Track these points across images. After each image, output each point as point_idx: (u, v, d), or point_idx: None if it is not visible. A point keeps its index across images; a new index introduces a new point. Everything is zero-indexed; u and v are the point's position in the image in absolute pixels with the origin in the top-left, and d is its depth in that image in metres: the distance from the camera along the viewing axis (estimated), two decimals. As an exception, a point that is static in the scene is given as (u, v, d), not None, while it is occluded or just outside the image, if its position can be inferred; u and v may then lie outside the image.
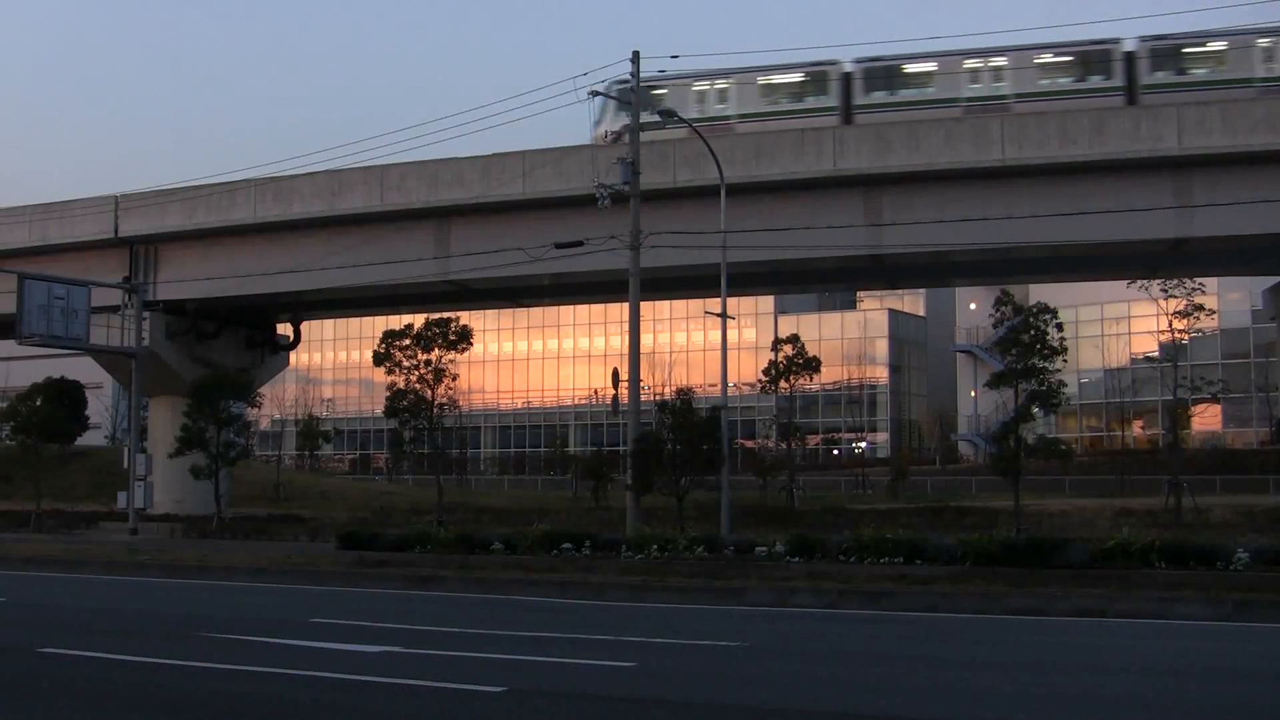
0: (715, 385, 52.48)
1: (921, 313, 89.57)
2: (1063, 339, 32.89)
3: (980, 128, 33.23)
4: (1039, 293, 54.55)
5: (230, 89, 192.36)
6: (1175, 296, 38.63)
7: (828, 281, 51.05)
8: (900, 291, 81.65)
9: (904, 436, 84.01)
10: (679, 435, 31.42)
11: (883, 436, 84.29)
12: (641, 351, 33.60)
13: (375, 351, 38.39)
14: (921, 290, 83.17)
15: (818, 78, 36.55)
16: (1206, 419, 63.33)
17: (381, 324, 51.93)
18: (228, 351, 45.17)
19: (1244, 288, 65.74)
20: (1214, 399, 51.52)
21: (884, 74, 36.27)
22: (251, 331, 47.04)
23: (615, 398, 37.03)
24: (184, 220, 41.67)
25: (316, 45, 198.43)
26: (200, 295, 42.26)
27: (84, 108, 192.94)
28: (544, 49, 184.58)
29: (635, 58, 32.22)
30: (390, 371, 37.52)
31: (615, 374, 36.72)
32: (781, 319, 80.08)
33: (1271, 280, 43.90)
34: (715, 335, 67.53)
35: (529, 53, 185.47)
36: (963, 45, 36.77)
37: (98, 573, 25.21)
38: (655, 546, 22.23)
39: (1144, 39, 34.86)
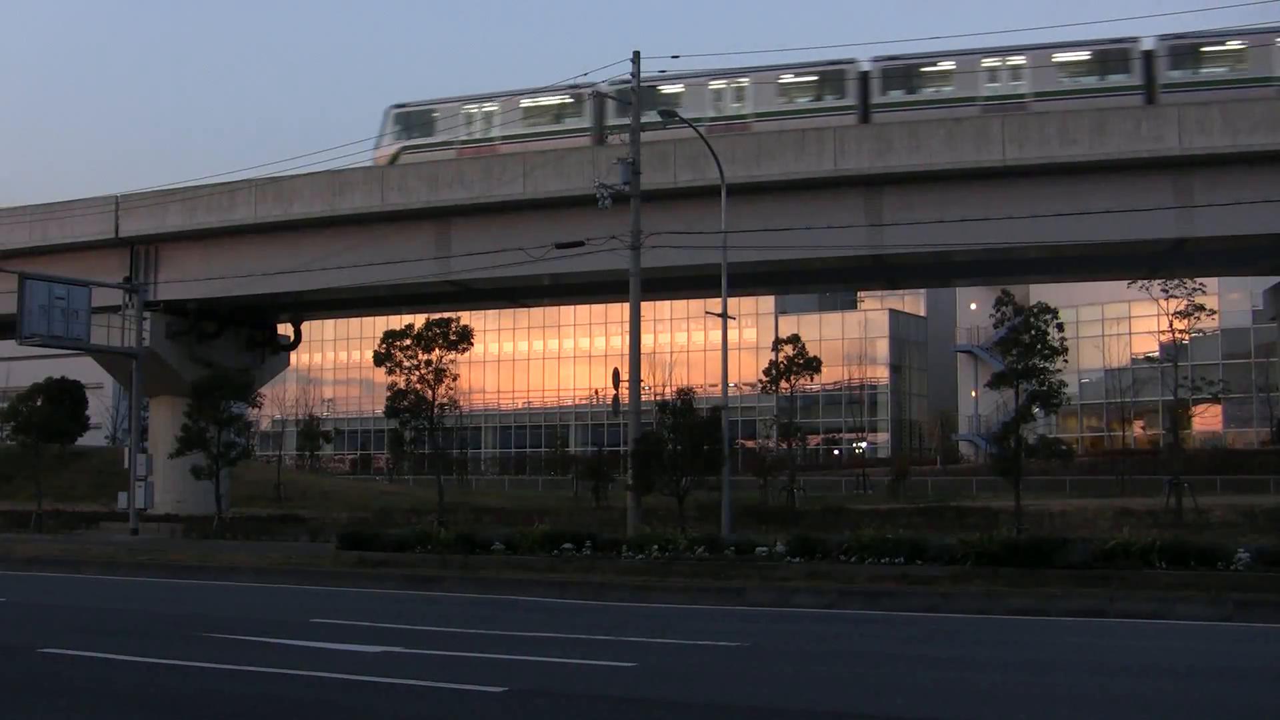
0: (716, 385, 52.54)
1: (922, 313, 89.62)
2: (1063, 339, 32.83)
3: (981, 127, 33.23)
4: (1039, 293, 54.56)
5: (231, 89, 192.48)
6: (1176, 296, 38.65)
7: (828, 282, 51.07)
8: (901, 292, 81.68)
9: (904, 437, 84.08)
10: (680, 435, 31.39)
11: (883, 437, 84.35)
12: (642, 352, 33.58)
13: (376, 351, 38.34)
14: (922, 290, 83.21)
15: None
16: (1207, 419, 63.38)
17: (382, 324, 51.94)
18: (228, 352, 45.17)
19: (1244, 288, 65.79)
20: (1214, 399, 51.52)
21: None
22: (252, 331, 47.05)
23: (616, 398, 37.01)
24: (185, 220, 41.67)
25: (317, 45, 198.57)
26: (201, 295, 42.26)
27: (84, 108, 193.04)
28: (544, 49, 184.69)
29: (636, 58, 32.22)
30: (391, 372, 37.48)
31: (616, 374, 36.71)
32: (782, 319, 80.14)
33: (1272, 280, 43.88)
34: (716, 335, 67.61)
35: (529, 53, 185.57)
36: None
37: (98, 573, 25.21)
38: (656, 546, 22.22)
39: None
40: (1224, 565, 18.16)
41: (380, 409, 45.98)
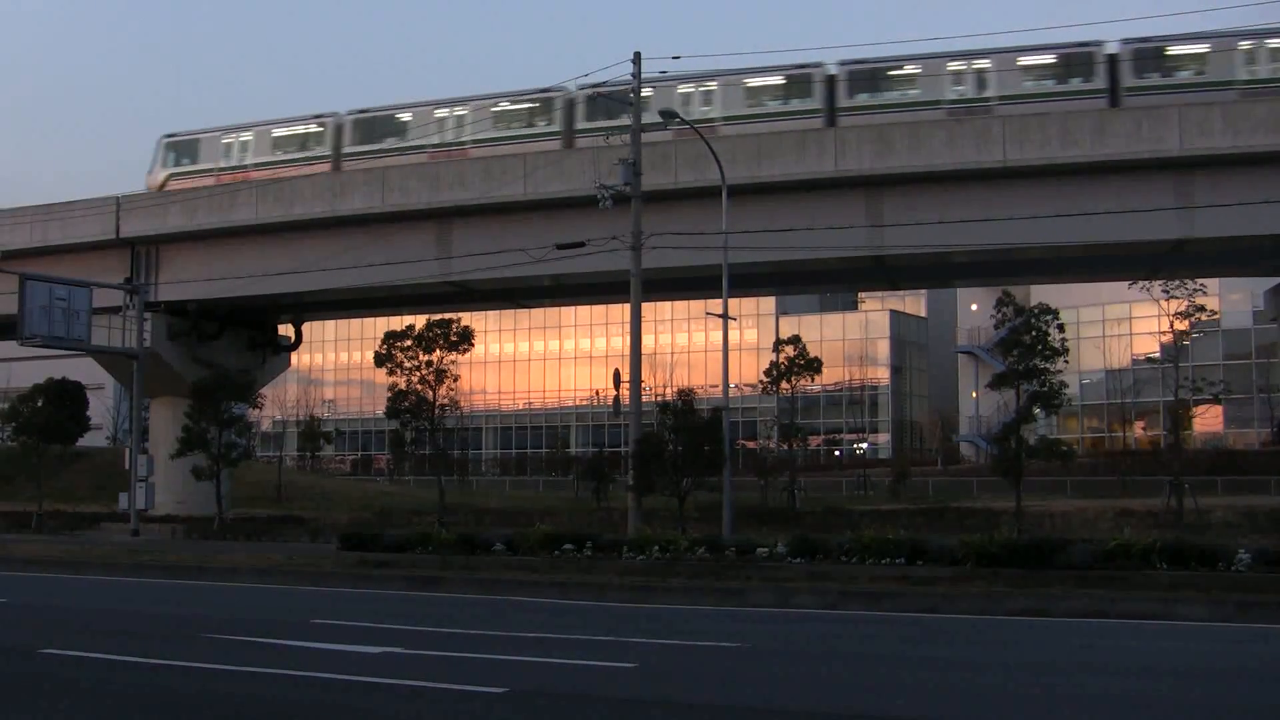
0: (716, 386, 52.58)
1: (923, 313, 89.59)
2: (1064, 340, 32.87)
3: (982, 129, 33.23)
4: (1040, 293, 54.52)
5: (231, 90, 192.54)
6: (1177, 297, 38.61)
7: (829, 282, 51.07)
8: (901, 292, 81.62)
9: (905, 437, 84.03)
10: (680, 436, 31.40)
11: (884, 437, 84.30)
12: (643, 352, 33.59)
13: (376, 352, 38.39)
14: (923, 291, 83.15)
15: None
16: (1208, 420, 63.30)
17: (383, 325, 51.93)
18: (229, 352, 45.15)
19: (1245, 289, 65.77)
20: (1215, 400, 51.45)
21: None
22: (253, 332, 47.02)
23: (617, 398, 37.01)
24: (185, 221, 41.67)
25: (317, 46, 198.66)
26: (202, 296, 42.24)
27: (85, 108, 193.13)
28: (545, 50, 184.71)
29: (637, 58, 32.23)
30: (392, 372, 37.52)
31: (617, 375, 36.71)
32: (783, 320, 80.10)
33: (1273, 281, 43.86)
34: (716, 336, 67.62)
35: (529, 54, 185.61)
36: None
37: (99, 574, 25.21)
38: (657, 547, 22.22)
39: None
40: (1225, 566, 18.16)
41: (381, 410, 46.03)
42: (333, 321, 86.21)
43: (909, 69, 36.57)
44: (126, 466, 41.33)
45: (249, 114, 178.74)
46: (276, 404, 73.68)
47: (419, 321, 38.40)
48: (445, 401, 37.12)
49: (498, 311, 77.21)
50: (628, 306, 32.64)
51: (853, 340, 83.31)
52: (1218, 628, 15.42)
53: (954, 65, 35.75)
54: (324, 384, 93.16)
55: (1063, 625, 15.67)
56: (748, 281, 38.34)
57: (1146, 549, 18.76)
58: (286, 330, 49.65)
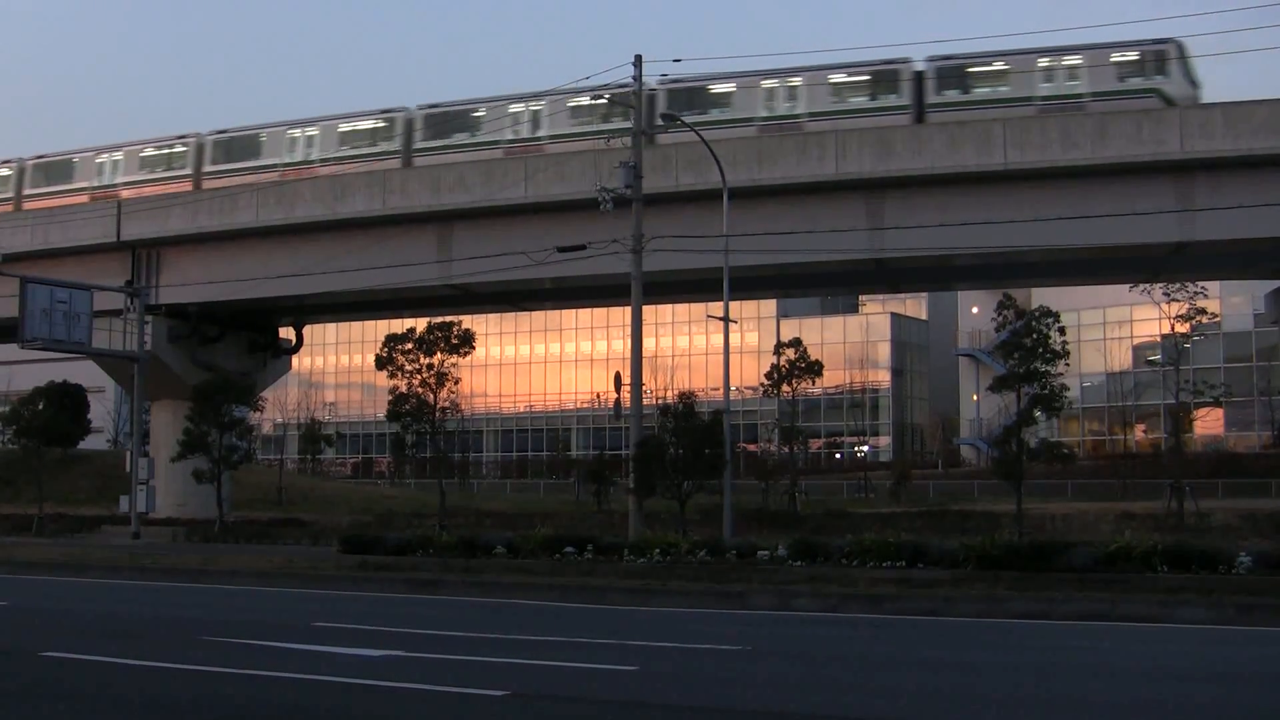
0: (717, 389, 52.55)
1: (924, 316, 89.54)
2: (1065, 343, 32.87)
3: (982, 131, 33.26)
4: (1041, 296, 54.50)
5: (231, 92, 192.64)
6: (1177, 300, 38.64)
7: (830, 285, 51.09)
8: (902, 295, 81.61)
9: (906, 440, 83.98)
10: (681, 439, 31.38)
11: (885, 440, 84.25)
12: (644, 355, 33.58)
13: (377, 355, 38.37)
14: (924, 294, 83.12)
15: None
16: (1208, 423, 63.35)
17: (384, 328, 51.90)
18: (230, 355, 45.19)
19: (1246, 291, 65.76)
20: (1216, 403, 51.52)
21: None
22: (254, 335, 47.05)
23: (617, 401, 37.08)
24: (186, 224, 41.70)
25: (317, 48, 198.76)
26: (202, 299, 42.26)
27: (85, 110, 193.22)
28: (546, 51, 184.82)
29: (638, 61, 32.24)
30: (392, 375, 37.50)
31: (617, 378, 36.77)
32: (783, 322, 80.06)
33: (1274, 284, 43.87)
34: (717, 339, 67.56)
35: (531, 55, 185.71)
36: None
37: (100, 577, 25.20)
38: (658, 550, 22.22)
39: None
40: (1225, 569, 18.16)
41: (382, 413, 46.01)
42: (334, 324, 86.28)
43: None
44: (127, 469, 41.34)
45: (251, 116, 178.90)
46: (277, 407, 73.66)
47: (420, 324, 38.37)
48: (446, 404, 37.09)
49: (499, 314, 77.19)
50: (629, 309, 32.65)
51: (853, 343, 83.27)
52: (1219, 630, 15.41)
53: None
54: (325, 387, 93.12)
55: (1063, 628, 15.67)
56: (749, 284, 38.35)
57: (1147, 552, 18.77)
58: (287, 333, 49.68)
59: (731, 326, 33.01)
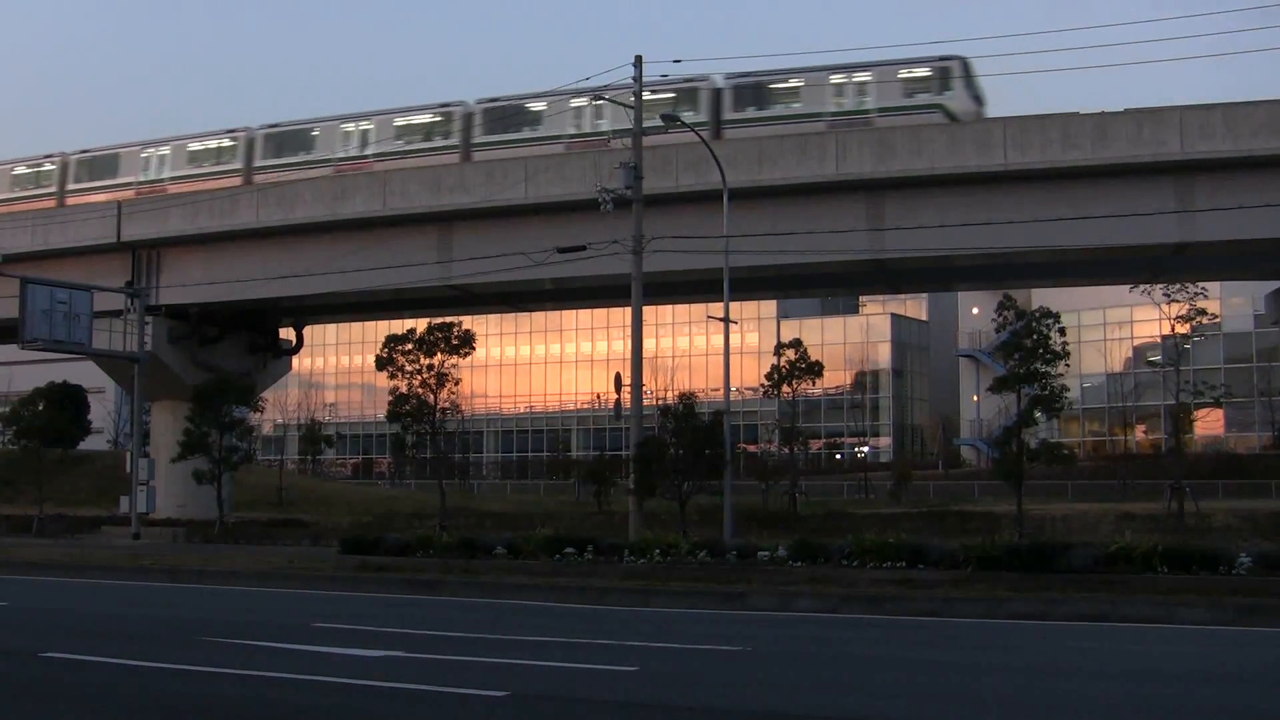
0: (718, 390, 52.49)
1: (924, 317, 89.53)
2: (1065, 343, 32.87)
3: (983, 132, 33.27)
4: (1041, 296, 54.49)
5: (231, 93, 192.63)
6: (1178, 301, 38.60)
7: (830, 286, 51.08)
8: (902, 296, 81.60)
9: (906, 441, 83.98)
10: (682, 440, 31.39)
11: (885, 441, 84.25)
12: (644, 356, 33.56)
13: (378, 356, 38.36)
14: (924, 295, 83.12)
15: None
16: (1209, 423, 63.23)
17: (384, 329, 51.94)
18: (230, 356, 45.19)
19: (1246, 292, 65.78)
20: (1216, 403, 51.43)
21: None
22: (254, 336, 47.05)
23: (618, 402, 37.01)
24: (186, 224, 41.69)
25: (317, 48, 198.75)
26: (203, 300, 42.26)
27: (84, 110, 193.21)
28: (546, 52, 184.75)
29: (638, 62, 32.23)
30: (393, 376, 37.50)
31: (618, 378, 36.71)
32: (784, 323, 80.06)
33: (1274, 285, 43.87)
34: (718, 340, 67.49)
35: (531, 56, 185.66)
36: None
37: (100, 577, 25.21)
38: (658, 551, 22.22)
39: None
40: (1226, 569, 18.16)
41: (382, 413, 46.01)
42: (334, 325, 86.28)
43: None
44: (127, 470, 41.33)
45: (251, 117, 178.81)
46: (277, 407, 73.67)
47: (420, 325, 38.38)
48: (446, 405, 37.08)
49: (499, 315, 77.19)
50: (629, 310, 32.64)
51: (854, 344, 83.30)
52: (1219, 631, 15.42)
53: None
54: (325, 387, 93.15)
55: (1064, 629, 15.67)
56: (749, 285, 38.36)
57: (1147, 553, 18.77)
58: (288, 334, 49.67)
59: (732, 327, 33.01)
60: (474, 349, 37.82)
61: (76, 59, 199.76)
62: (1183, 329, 39.56)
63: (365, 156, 41.46)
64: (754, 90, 38.15)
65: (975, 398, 76.38)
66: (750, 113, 37.47)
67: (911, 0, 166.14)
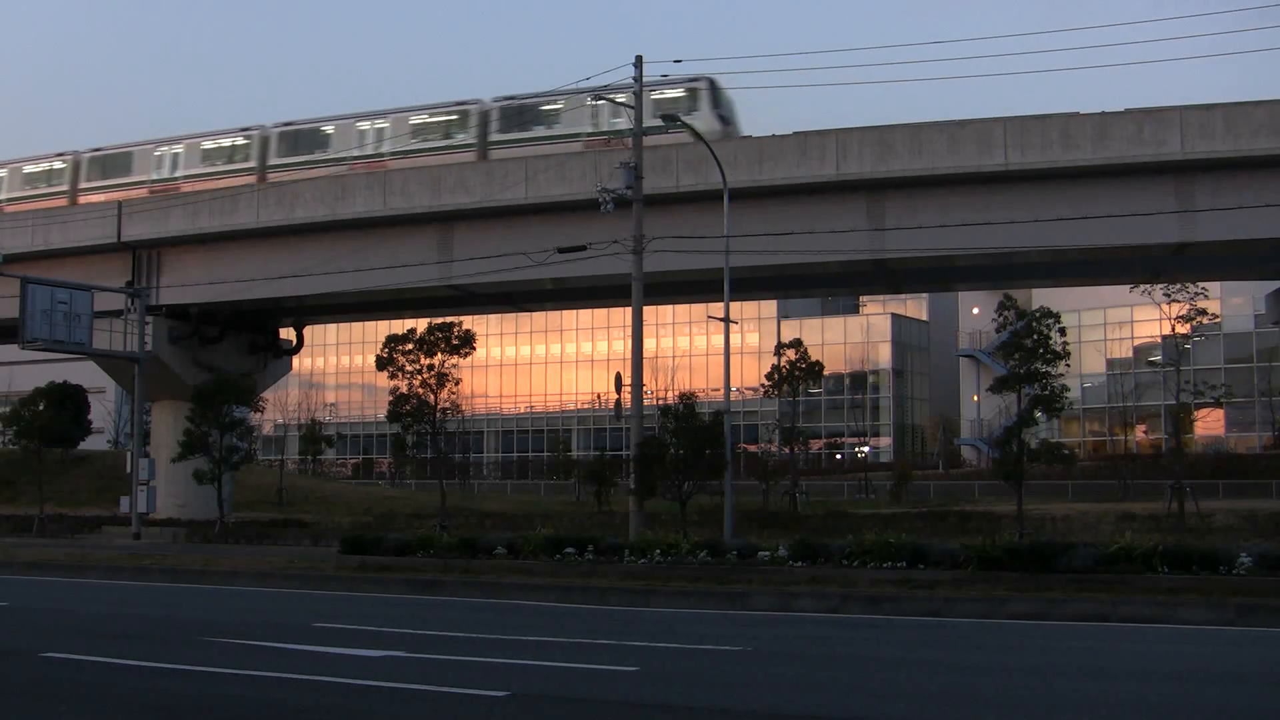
0: (718, 389, 52.55)
1: (924, 317, 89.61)
2: (1065, 343, 32.86)
3: (983, 132, 33.23)
4: (1042, 296, 54.54)
5: (232, 93, 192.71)
6: (1178, 301, 38.59)
7: (831, 286, 51.06)
8: (903, 296, 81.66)
9: (907, 441, 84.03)
10: (682, 440, 31.36)
11: (885, 441, 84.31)
12: (644, 356, 33.55)
13: (378, 356, 38.34)
14: (924, 294, 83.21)
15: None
16: (1209, 423, 63.30)
17: (384, 329, 51.98)
18: (230, 356, 45.17)
19: (1247, 292, 65.85)
20: (1217, 403, 51.44)
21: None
22: (254, 336, 47.05)
23: (618, 402, 37.02)
24: (187, 224, 41.69)
25: (318, 49, 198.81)
26: (203, 300, 42.25)
27: (85, 112, 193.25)
28: (547, 53, 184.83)
29: (639, 62, 32.24)
30: (393, 376, 37.47)
31: (618, 378, 36.72)
32: (784, 323, 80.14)
33: (1275, 285, 43.87)
34: (718, 340, 67.64)
35: (531, 56, 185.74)
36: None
37: (101, 577, 25.23)
38: (658, 551, 22.23)
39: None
40: (1226, 569, 18.15)
41: (382, 413, 46.01)
42: (334, 325, 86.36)
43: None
44: (128, 470, 41.34)
45: (251, 118, 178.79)
46: (278, 408, 73.69)
47: (420, 325, 38.36)
48: (447, 405, 37.06)
49: (499, 315, 77.27)
50: (629, 310, 32.63)
51: (854, 344, 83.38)
52: (1219, 631, 15.42)
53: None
54: (325, 387, 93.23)
55: (1064, 629, 15.67)
56: (749, 285, 38.35)
57: (1148, 552, 18.77)
58: (288, 334, 49.66)
59: (732, 327, 33.00)
60: (474, 349, 37.80)
61: (75, 57, 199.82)
62: (1183, 329, 39.53)
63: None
64: (519, 112, 40.12)
65: (975, 398, 76.42)
66: (514, 134, 39.32)
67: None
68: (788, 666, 12.44)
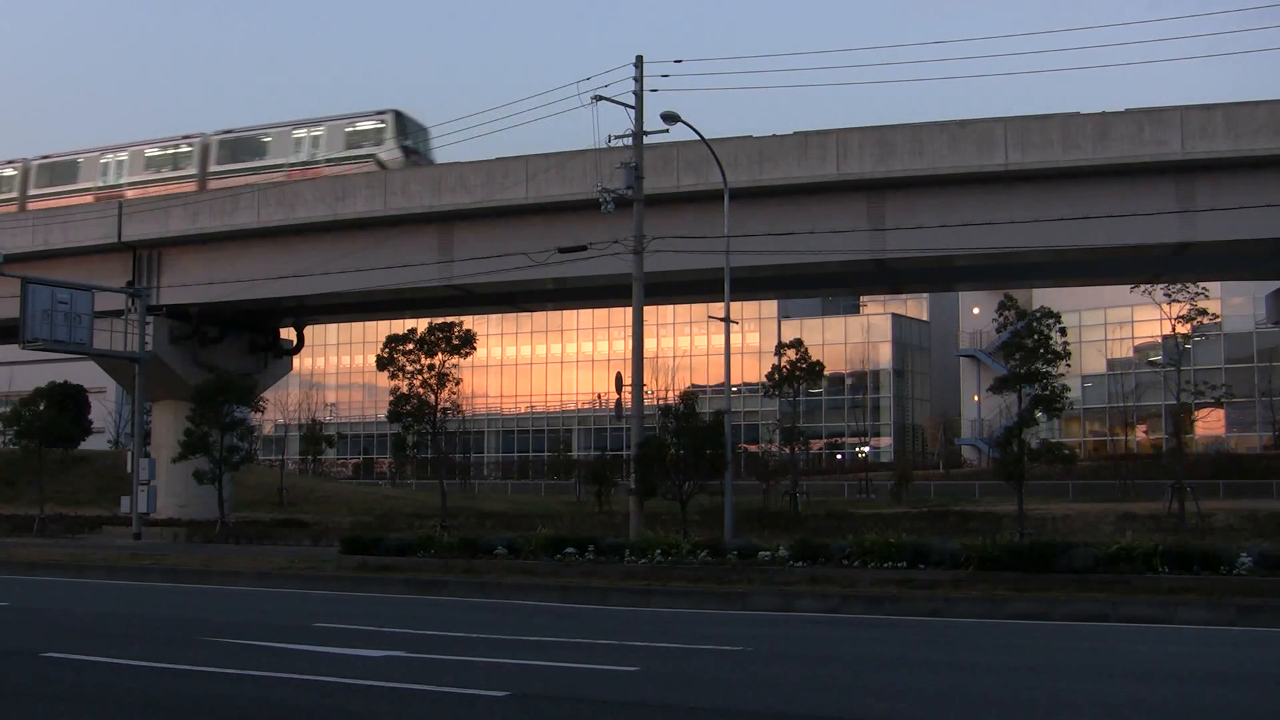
0: (719, 389, 52.53)
1: (925, 317, 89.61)
2: (1066, 343, 32.86)
3: (984, 132, 33.24)
4: (1042, 296, 54.53)
5: (233, 93, 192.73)
6: (1178, 301, 38.60)
7: (831, 286, 51.09)
8: (903, 296, 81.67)
9: (907, 441, 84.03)
10: (682, 440, 31.35)
11: (886, 441, 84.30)
12: (645, 356, 33.54)
13: (378, 356, 38.35)
14: (925, 294, 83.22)
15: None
16: (1210, 423, 63.33)
17: (385, 329, 51.99)
18: (231, 356, 45.19)
19: (1247, 292, 65.83)
20: (1217, 403, 51.46)
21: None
22: (255, 336, 47.07)
23: (619, 402, 37.02)
24: (187, 224, 41.72)
25: (319, 49, 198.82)
26: (203, 300, 42.28)
27: (85, 111, 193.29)
28: (547, 53, 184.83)
29: (639, 62, 32.20)
30: (393, 376, 37.48)
31: (619, 378, 36.72)
32: (785, 323, 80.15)
33: (1275, 285, 43.88)
34: (718, 339, 67.64)
35: (532, 57, 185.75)
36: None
37: (101, 577, 25.21)
38: (659, 551, 22.22)
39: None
40: (1227, 569, 18.15)
41: (383, 413, 46.03)
42: (335, 325, 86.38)
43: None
44: (128, 470, 41.35)
45: (252, 118, 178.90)
46: (278, 408, 73.70)
47: (421, 325, 38.37)
48: (447, 405, 37.06)
49: (499, 315, 77.29)
50: (630, 310, 32.62)
51: (855, 344, 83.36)
52: (1220, 631, 15.42)
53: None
54: (326, 388, 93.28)
55: (1065, 629, 15.67)
56: (750, 285, 38.36)
57: (1148, 552, 18.76)
58: (288, 334, 49.68)
59: (733, 327, 33.00)
60: (475, 349, 37.80)
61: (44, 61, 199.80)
62: (1183, 329, 39.55)
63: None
64: (234, 145, 43.49)
65: (976, 398, 76.40)
66: (230, 165, 42.32)
67: None
68: (788, 666, 12.44)
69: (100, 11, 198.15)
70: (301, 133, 42.29)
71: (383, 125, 40.89)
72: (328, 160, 41.03)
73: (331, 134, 41.85)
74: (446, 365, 36.60)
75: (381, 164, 36.85)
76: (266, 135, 44.03)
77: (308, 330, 51.91)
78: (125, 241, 42.77)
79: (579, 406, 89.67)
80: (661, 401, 38.61)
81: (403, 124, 40.92)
